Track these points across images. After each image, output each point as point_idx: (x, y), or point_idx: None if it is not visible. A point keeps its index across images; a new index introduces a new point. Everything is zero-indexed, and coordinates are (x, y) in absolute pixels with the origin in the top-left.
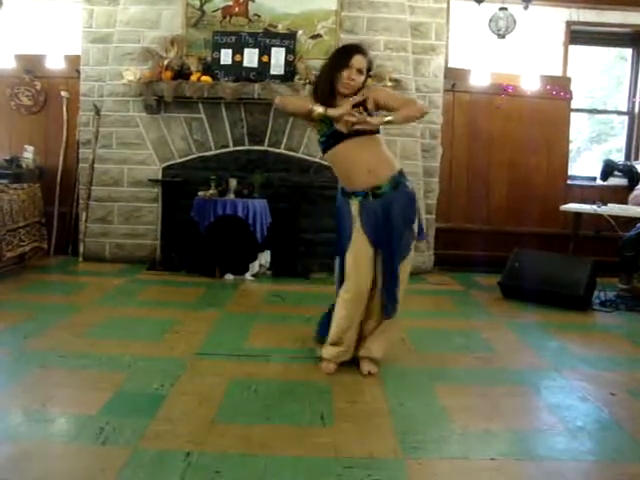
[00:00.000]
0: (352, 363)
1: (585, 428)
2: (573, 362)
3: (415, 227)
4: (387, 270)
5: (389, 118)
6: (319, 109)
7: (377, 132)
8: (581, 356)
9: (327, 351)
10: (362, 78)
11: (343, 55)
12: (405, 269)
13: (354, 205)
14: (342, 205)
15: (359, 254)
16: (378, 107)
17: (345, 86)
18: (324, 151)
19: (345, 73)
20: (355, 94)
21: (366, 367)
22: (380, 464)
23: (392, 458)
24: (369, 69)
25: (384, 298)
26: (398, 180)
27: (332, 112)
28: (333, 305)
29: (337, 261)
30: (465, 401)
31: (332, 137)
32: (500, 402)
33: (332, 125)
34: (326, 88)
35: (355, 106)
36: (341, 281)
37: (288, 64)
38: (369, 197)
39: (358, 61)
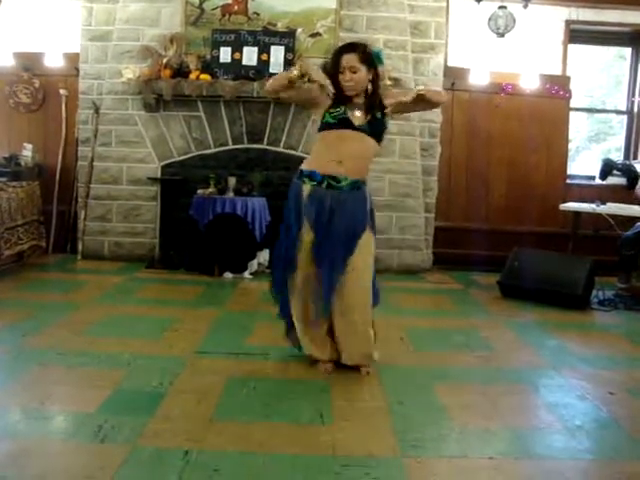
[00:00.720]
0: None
1: (583, 427)
2: (572, 361)
3: (366, 228)
4: (327, 261)
5: (420, 88)
6: (294, 71)
7: (379, 139)
8: (580, 355)
9: (307, 349)
10: (361, 74)
11: (333, 60)
12: (363, 263)
13: (306, 188)
14: (295, 188)
15: (306, 240)
16: (396, 108)
17: (346, 89)
18: (322, 129)
19: (340, 77)
20: (366, 92)
21: (363, 369)
22: (379, 462)
23: (391, 456)
24: (370, 61)
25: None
26: (358, 185)
27: (313, 74)
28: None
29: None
30: (464, 400)
31: (341, 122)
32: (499, 401)
33: (345, 113)
34: (339, 93)
35: (374, 104)
36: (284, 267)
37: (287, 62)
38: (324, 184)
39: (347, 60)
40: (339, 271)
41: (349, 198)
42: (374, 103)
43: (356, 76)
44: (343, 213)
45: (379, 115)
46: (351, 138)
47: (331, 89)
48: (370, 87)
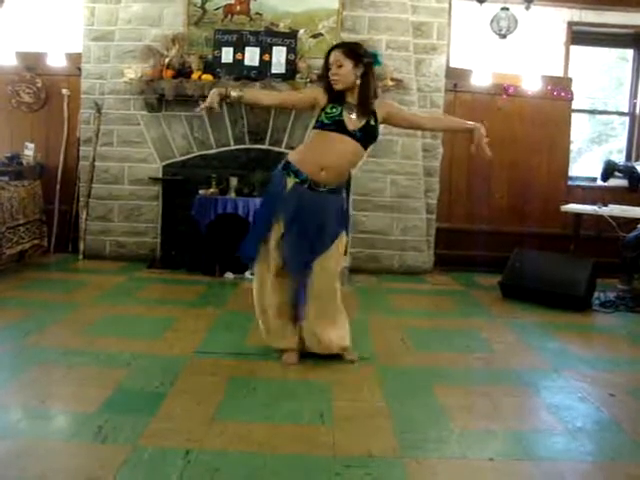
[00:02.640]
0: (350, 362)
1: (584, 429)
2: (573, 362)
3: (341, 238)
4: (290, 250)
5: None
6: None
7: (367, 145)
8: (581, 357)
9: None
10: (346, 69)
11: (324, 60)
12: (335, 264)
13: (289, 183)
14: (278, 177)
15: (274, 234)
16: (388, 118)
17: (332, 83)
18: (317, 128)
19: (328, 73)
20: (352, 89)
21: (347, 356)
22: (379, 463)
23: (391, 457)
24: (357, 57)
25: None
26: (336, 189)
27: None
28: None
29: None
30: (465, 401)
31: (335, 124)
32: (499, 402)
33: (341, 115)
34: (330, 90)
35: (368, 105)
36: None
37: (289, 63)
38: (306, 184)
39: (333, 56)
40: (308, 269)
41: (326, 200)
42: (366, 102)
43: (341, 70)
44: (318, 213)
45: (373, 122)
46: (340, 144)
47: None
48: (359, 82)
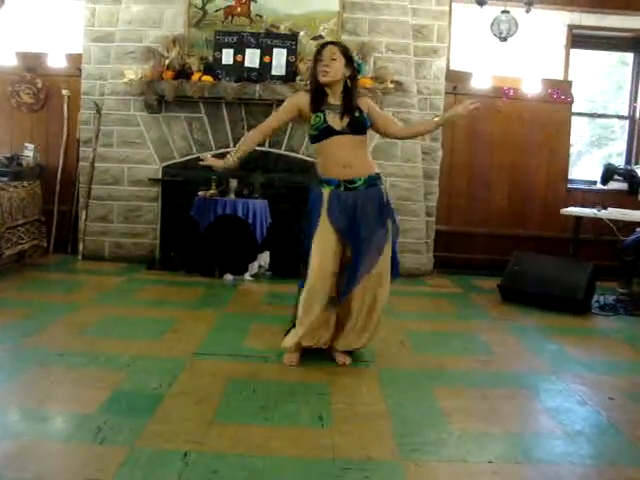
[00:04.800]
0: (351, 366)
1: (583, 432)
2: (572, 366)
3: (389, 226)
4: (353, 259)
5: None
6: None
7: (364, 133)
8: (580, 360)
9: (288, 339)
10: (339, 64)
11: (317, 50)
12: (383, 266)
13: (326, 192)
14: (315, 191)
15: (323, 240)
16: (369, 113)
17: (322, 74)
18: (313, 142)
19: (319, 64)
20: (343, 92)
21: (341, 358)
22: (378, 466)
23: (390, 460)
24: (349, 58)
25: (345, 280)
26: (373, 181)
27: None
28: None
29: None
30: (464, 403)
31: (324, 132)
32: (499, 405)
33: (325, 121)
34: (313, 83)
35: (352, 104)
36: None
37: (289, 65)
38: (341, 187)
39: (329, 50)
40: (375, 257)
41: (366, 195)
42: (350, 104)
43: (335, 63)
44: (362, 209)
45: (358, 114)
46: (343, 144)
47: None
48: (349, 83)
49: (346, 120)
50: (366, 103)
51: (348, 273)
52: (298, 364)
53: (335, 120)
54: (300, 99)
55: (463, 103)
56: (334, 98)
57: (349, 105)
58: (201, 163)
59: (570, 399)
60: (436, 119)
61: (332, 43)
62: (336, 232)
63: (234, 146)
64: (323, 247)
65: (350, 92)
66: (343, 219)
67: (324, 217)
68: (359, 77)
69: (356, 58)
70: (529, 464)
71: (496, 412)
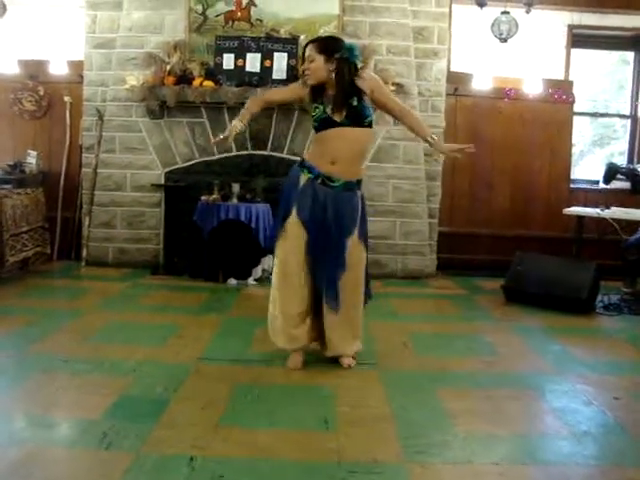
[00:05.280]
0: (355, 368)
1: (589, 432)
2: (577, 366)
3: (356, 231)
4: (326, 261)
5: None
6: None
7: (369, 125)
8: (585, 360)
9: (276, 340)
10: (317, 63)
11: (302, 53)
12: (356, 264)
13: (303, 178)
14: (294, 172)
15: (291, 235)
16: (372, 98)
17: (305, 78)
18: (316, 131)
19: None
20: (324, 84)
21: (346, 361)
22: (383, 468)
23: (395, 462)
24: (328, 51)
25: (325, 288)
26: (351, 185)
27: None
28: None
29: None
30: (468, 405)
31: (323, 122)
32: (504, 406)
33: (324, 112)
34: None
35: (344, 96)
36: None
37: (290, 69)
38: (319, 179)
39: (307, 51)
40: (342, 267)
41: (341, 198)
42: (344, 93)
43: (312, 65)
44: (335, 211)
45: (355, 102)
46: (341, 137)
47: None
48: (333, 77)
49: (344, 111)
50: (370, 85)
51: (320, 281)
52: (302, 367)
53: (335, 112)
54: (302, 88)
55: (455, 146)
56: (332, 90)
57: (338, 101)
58: (215, 142)
59: (575, 399)
60: (432, 138)
61: (309, 43)
62: (305, 229)
63: (237, 151)
64: (290, 246)
65: (338, 87)
66: (311, 214)
67: (295, 214)
68: (353, 61)
69: (346, 43)
70: (535, 465)
71: (501, 413)
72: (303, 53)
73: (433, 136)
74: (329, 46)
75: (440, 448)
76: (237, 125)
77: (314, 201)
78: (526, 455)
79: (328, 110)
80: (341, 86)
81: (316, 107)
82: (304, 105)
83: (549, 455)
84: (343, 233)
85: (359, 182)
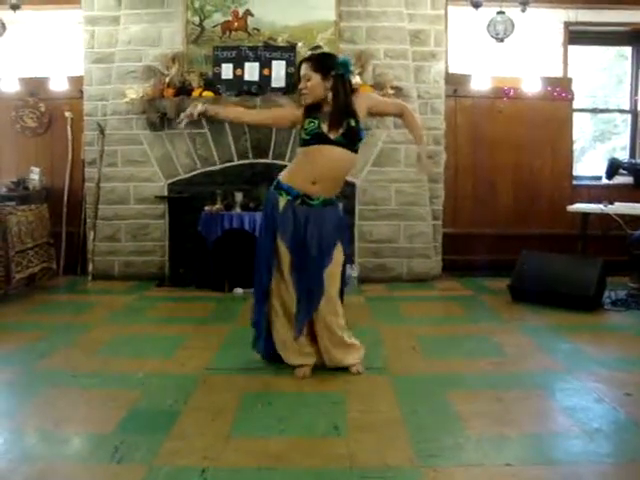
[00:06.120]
0: (364, 373)
1: (602, 430)
2: (586, 363)
3: (338, 247)
4: (302, 280)
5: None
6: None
7: (356, 151)
8: (594, 357)
9: (288, 358)
10: (313, 82)
11: (297, 70)
12: (332, 280)
13: (282, 201)
14: (272, 196)
15: (281, 257)
16: (371, 113)
17: (302, 97)
18: (301, 145)
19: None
20: (319, 103)
21: (355, 368)
22: (396, 473)
23: (408, 467)
24: (324, 69)
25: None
26: (330, 202)
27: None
28: (256, 321)
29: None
30: (479, 407)
31: (315, 137)
32: (514, 406)
33: (319, 127)
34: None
35: (342, 114)
36: (261, 289)
37: (289, 76)
38: (298, 200)
39: (302, 69)
40: (320, 289)
41: (321, 213)
42: (342, 111)
43: (309, 84)
44: (315, 226)
45: (353, 123)
46: (327, 154)
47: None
48: (330, 95)
49: (341, 130)
50: (364, 105)
51: (297, 305)
52: (310, 375)
53: (329, 129)
54: (297, 110)
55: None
56: (328, 107)
57: (336, 119)
58: (181, 123)
59: (586, 397)
60: (420, 147)
61: (305, 60)
62: (287, 248)
63: (238, 160)
64: (280, 254)
65: (335, 104)
66: (293, 237)
67: (280, 235)
68: (348, 78)
69: (341, 58)
70: (548, 465)
71: (512, 414)
72: (298, 71)
73: (421, 146)
74: (324, 63)
75: (452, 451)
76: (208, 108)
77: (295, 224)
78: (539, 455)
79: (323, 126)
80: (338, 103)
81: (311, 121)
82: (296, 124)
83: (562, 454)
84: (323, 253)
85: (337, 197)
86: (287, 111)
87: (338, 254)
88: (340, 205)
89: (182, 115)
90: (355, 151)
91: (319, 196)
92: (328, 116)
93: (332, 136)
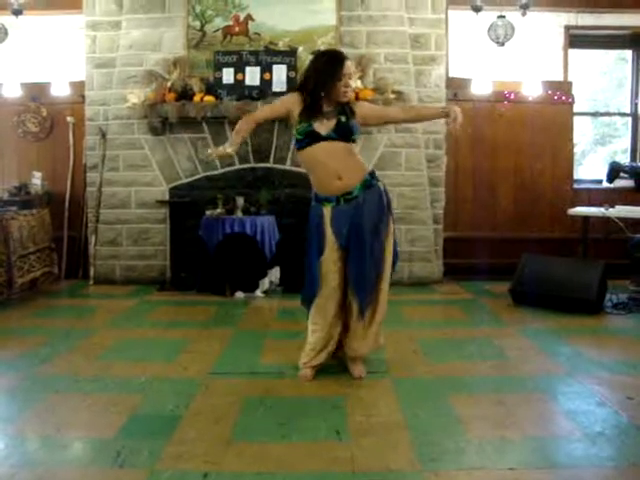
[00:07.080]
0: (366, 377)
1: (604, 433)
2: (588, 367)
3: (389, 222)
4: (357, 268)
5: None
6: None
7: (353, 141)
8: (596, 360)
9: (304, 357)
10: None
11: (336, 66)
12: (385, 265)
13: (327, 210)
14: (315, 210)
15: (328, 258)
16: (366, 119)
17: (344, 95)
18: (298, 149)
19: (341, 84)
20: (319, 103)
21: (357, 371)
22: (398, 477)
23: (409, 471)
24: None
25: (355, 296)
26: (369, 182)
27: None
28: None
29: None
30: (480, 410)
31: (309, 137)
32: (516, 410)
33: (310, 125)
34: (317, 97)
35: (342, 114)
36: (311, 286)
37: (290, 81)
38: (341, 202)
39: (348, 67)
40: (378, 266)
41: (366, 199)
42: (345, 110)
43: (353, 83)
44: (366, 216)
45: (344, 119)
46: (329, 148)
47: (230, 151)
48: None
49: (332, 125)
50: (362, 112)
51: (355, 287)
52: (313, 378)
53: (321, 126)
54: (294, 101)
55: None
56: (328, 105)
57: (344, 110)
58: (209, 158)
59: (588, 400)
60: (443, 109)
61: (347, 59)
62: (339, 247)
63: (239, 164)
64: (327, 264)
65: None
66: (345, 226)
67: (328, 233)
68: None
69: None
70: (550, 469)
71: (514, 417)
72: (339, 69)
73: (444, 109)
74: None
75: (454, 455)
76: (228, 149)
77: (345, 217)
78: (541, 459)
79: (315, 125)
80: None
81: (301, 121)
82: (290, 119)
83: (564, 458)
84: (378, 232)
85: (372, 174)
86: (283, 104)
87: (388, 236)
88: (381, 184)
89: (212, 151)
90: (350, 141)
91: (355, 186)
92: (328, 113)
93: (323, 132)
